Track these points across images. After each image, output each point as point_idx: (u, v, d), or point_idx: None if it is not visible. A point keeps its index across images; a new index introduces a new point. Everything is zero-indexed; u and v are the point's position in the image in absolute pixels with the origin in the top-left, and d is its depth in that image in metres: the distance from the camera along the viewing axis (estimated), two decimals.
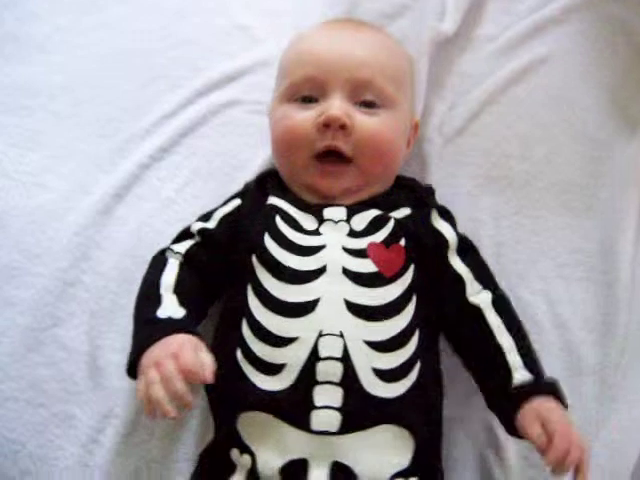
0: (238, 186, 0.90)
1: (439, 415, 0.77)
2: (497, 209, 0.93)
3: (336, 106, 0.78)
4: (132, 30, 1.06)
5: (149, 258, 0.86)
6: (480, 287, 0.80)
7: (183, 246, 0.81)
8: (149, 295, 0.76)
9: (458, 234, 0.83)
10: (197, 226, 0.83)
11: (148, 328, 0.71)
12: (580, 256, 0.92)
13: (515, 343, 0.75)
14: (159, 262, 0.80)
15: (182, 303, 0.74)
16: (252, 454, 0.70)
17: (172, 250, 0.81)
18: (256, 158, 0.94)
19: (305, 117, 0.80)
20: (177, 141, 0.97)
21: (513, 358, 0.74)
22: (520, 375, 0.72)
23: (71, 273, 0.88)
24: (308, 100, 0.81)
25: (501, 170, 0.95)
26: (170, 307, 0.73)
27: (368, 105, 0.81)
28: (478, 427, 0.84)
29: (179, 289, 0.76)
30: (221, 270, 0.80)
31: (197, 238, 0.82)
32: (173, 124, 0.98)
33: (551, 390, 0.72)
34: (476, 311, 0.78)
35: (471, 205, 0.93)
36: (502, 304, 0.79)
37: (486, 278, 0.81)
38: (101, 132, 0.98)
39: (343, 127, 0.78)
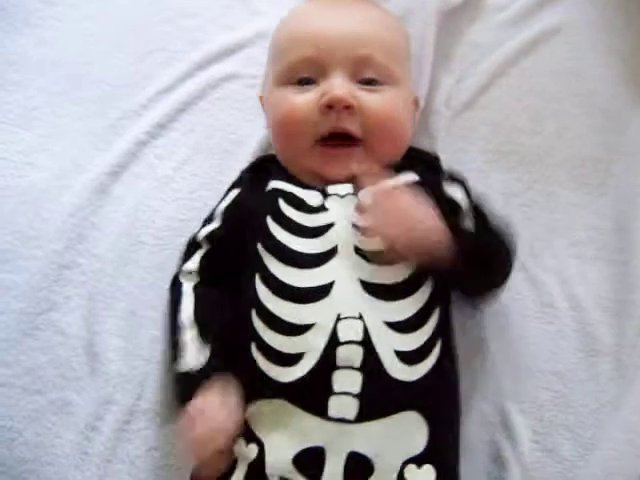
0: (238, 163, 0.88)
1: (457, 397, 0.75)
2: (508, 185, 0.92)
3: (338, 85, 0.75)
4: (126, 3, 1.03)
5: (146, 239, 0.86)
6: None
7: (194, 262, 0.79)
8: (174, 339, 0.75)
9: (471, 200, 0.80)
10: (203, 233, 0.80)
11: (177, 384, 0.74)
12: (594, 234, 0.90)
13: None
14: (174, 294, 0.78)
15: (204, 334, 0.73)
16: (260, 444, 0.68)
17: (184, 272, 0.79)
18: (256, 134, 0.92)
19: (305, 99, 0.77)
20: (174, 117, 0.95)
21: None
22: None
23: (67, 255, 0.86)
24: (306, 82, 0.78)
25: (511, 145, 0.93)
26: (190, 356, 0.72)
27: (369, 82, 0.78)
28: (489, 410, 0.82)
29: (199, 319, 0.74)
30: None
31: (206, 246, 0.80)
32: (171, 99, 0.95)
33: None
34: None
35: (481, 181, 0.90)
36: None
37: None
38: (95, 109, 0.95)
39: (348, 107, 0.75)
